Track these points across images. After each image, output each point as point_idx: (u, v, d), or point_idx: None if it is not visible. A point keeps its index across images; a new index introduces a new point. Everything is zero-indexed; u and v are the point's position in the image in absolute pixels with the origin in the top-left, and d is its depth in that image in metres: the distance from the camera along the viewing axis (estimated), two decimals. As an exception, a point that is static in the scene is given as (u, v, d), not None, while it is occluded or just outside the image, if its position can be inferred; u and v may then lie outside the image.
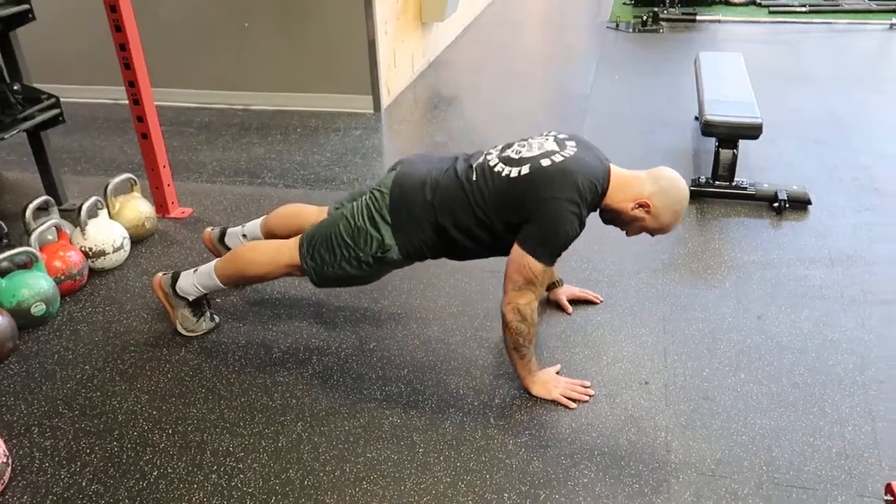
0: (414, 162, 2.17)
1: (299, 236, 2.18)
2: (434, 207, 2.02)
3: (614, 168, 2.03)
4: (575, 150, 1.98)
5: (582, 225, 1.95)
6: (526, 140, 2.07)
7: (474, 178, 2.01)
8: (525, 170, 1.94)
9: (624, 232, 2.11)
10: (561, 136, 2.06)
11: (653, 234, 2.09)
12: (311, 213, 2.42)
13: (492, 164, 2.02)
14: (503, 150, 2.07)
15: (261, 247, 2.28)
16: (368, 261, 2.08)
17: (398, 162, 2.21)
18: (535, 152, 1.98)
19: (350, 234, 2.07)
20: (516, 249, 1.94)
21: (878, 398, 2.04)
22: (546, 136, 2.07)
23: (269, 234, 2.50)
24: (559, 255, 1.96)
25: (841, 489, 1.77)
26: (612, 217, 2.07)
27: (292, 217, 2.47)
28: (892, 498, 1.57)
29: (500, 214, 1.97)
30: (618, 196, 2.00)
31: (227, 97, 4.53)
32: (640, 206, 1.99)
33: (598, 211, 2.06)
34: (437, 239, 2.06)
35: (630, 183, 2.01)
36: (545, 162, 1.94)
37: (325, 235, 2.11)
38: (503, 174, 1.97)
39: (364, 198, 2.12)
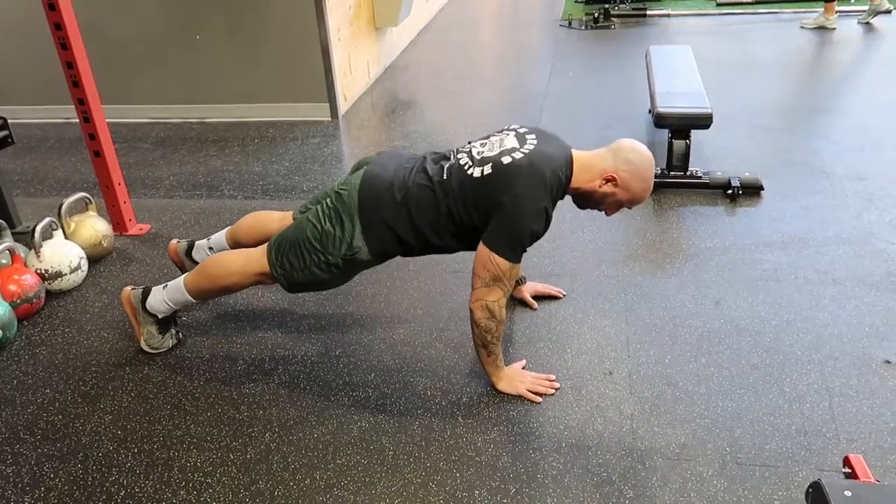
0: (382, 162, 2.14)
1: (267, 243, 2.16)
2: (406, 208, 2.01)
3: (576, 152, 2.05)
4: (535, 143, 2.00)
5: (548, 219, 1.96)
6: (488, 138, 2.09)
7: (445, 178, 2.01)
8: (487, 169, 1.95)
9: (603, 213, 2.12)
10: (521, 129, 2.07)
11: (630, 207, 2.10)
12: (275, 219, 2.40)
13: (462, 162, 2.02)
14: (470, 148, 2.08)
15: (229, 257, 2.25)
16: (338, 263, 2.06)
17: (363, 161, 2.19)
18: (497, 150, 1.99)
19: (317, 239, 2.05)
20: (482, 247, 1.95)
21: (834, 375, 2.10)
22: (507, 131, 2.08)
23: (236, 245, 2.47)
24: (524, 251, 1.97)
25: (801, 465, 1.81)
26: (584, 199, 2.08)
27: (257, 225, 2.44)
28: (850, 470, 1.61)
29: (472, 213, 1.98)
30: (583, 177, 2.01)
31: (182, 111, 4.48)
32: (608, 180, 2.00)
33: (570, 197, 2.07)
34: (410, 238, 2.05)
35: (592, 161, 2.02)
36: (506, 160, 1.95)
37: (293, 241, 2.09)
38: (469, 173, 1.98)
39: (328, 200, 2.10)
